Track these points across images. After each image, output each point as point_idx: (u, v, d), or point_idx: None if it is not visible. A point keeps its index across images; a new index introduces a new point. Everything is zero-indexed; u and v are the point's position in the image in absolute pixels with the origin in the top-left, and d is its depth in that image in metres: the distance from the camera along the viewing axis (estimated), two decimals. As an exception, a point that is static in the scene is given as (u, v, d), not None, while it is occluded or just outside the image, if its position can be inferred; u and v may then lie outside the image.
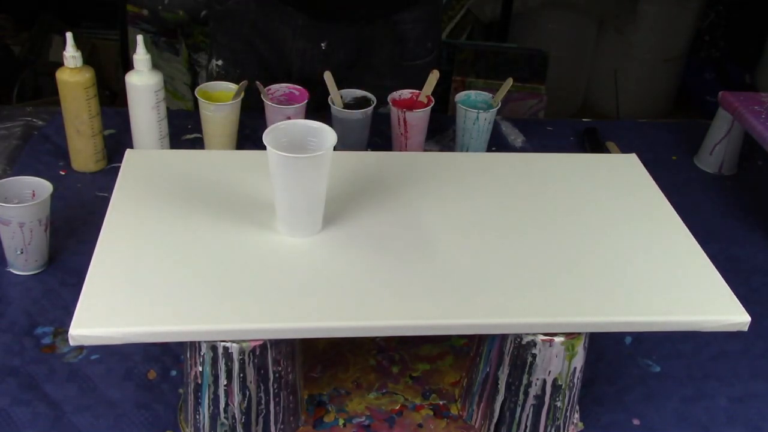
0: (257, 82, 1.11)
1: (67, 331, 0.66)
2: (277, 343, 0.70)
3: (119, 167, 0.85)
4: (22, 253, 0.92)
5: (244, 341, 0.68)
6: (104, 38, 2.56)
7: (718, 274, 0.76)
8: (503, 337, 0.73)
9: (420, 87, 1.14)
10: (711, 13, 2.94)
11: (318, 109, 1.15)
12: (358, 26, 1.25)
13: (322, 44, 1.26)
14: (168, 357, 0.85)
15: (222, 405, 0.71)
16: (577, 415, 0.82)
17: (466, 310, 0.70)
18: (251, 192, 0.83)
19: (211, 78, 1.32)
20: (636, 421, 0.83)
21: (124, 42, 2.46)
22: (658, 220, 0.84)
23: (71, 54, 1.04)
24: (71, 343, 0.65)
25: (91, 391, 0.80)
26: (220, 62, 1.31)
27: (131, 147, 1.12)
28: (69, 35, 1.04)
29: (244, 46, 1.29)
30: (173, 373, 0.84)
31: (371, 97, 1.14)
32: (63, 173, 1.12)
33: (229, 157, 0.91)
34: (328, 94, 1.12)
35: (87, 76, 1.06)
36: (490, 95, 1.16)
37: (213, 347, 0.68)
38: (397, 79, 1.25)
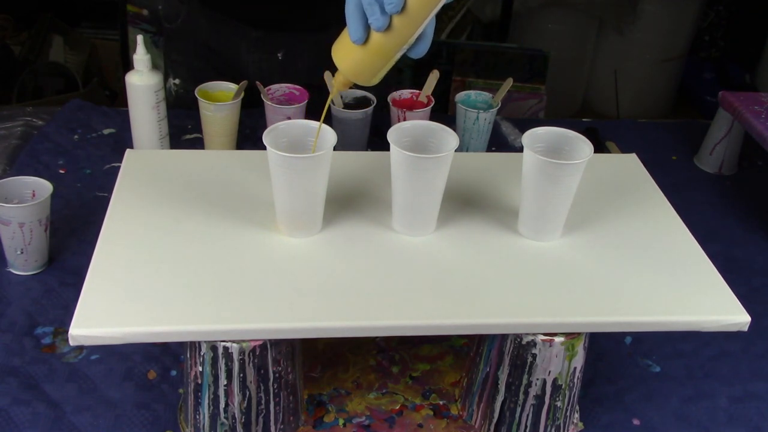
0: (257, 82, 1.11)
1: (67, 331, 0.66)
2: (277, 343, 0.70)
3: (119, 167, 0.85)
4: (22, 253, 0.92)
5: (244, 341, 0.68)
6: (104, 38, 2.56)
7: (718, 274, 0.76)
8: (503, 337, 0.73)
9: (379, 85, 1.13)
10: (711, 13, 2.94)
11: (318, 110, 1.14)
12: (313, 33, 1.23)
13: (279, 54, 1.23)
14: (168, 357, 0.85)
15: (222, 405, 0.71)
16: (577, 415, 0.82)
17: (466, 310, 0.70)
18: (251, 192, 0.83)
19: (171, 96, 1.30)
20: (636, 421, 0.83)
21: (124, 42, 2.46)
22: (658, 220, 0.84)
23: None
24: (71, 343, 0.65)
25: (91, 391, 0.81)
26: (177, 81, 1.29)
27: (131, 147, 1.12)
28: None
29: (199, 62, 1.27)
30: (173, 373, 0.84)
31: (371, 97, 1.14)
32: (63, 173, 1.12)
33: (229, 157, 0.91)
34: (322, 95, 1.12)
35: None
36: (490, 95, 1.16)
37: (213, 347, 0.68)
38: None
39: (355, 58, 0.74)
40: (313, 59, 1.24)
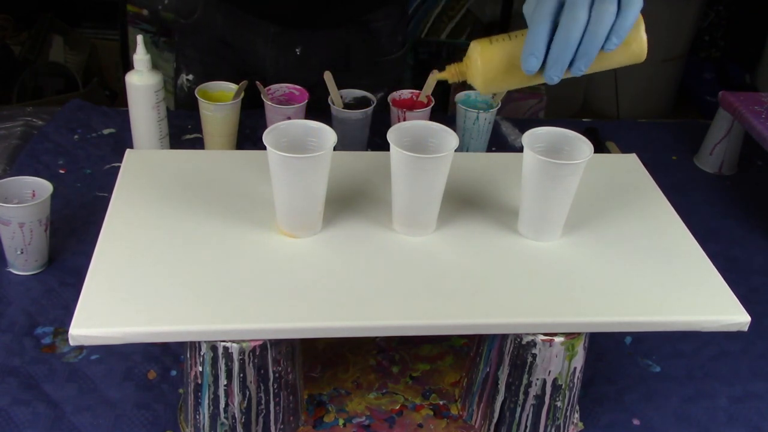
0: (257, 82, 1.11)
1: (67, 331, 0.66)
2: (277, 343, 0.70)
3: (119, 167, 0.85)
4: (22, 253, 0.92)
5: (244, 341, 0.68)
6: (104, 38, 2.56)
7: (718, 274, 0.76)
8: (503, 337, 0.73)
9: (396, 81, 1.12)
10: (711, 13, 2.94)
11: (318, 110, 1.15)
12: (331, 30, 1.23)
13: (297, 50, 1.24)
14: (168, 357, 0.85)
15: (222, 405, 0.71)
16: (577, 415, 0.82)
17: (466, 310, 0.70)
18: (251, 192, 0.83)
19: (182, 92, 1.30)
20: (636, 421, 0.83)
21: (124, 42, 2.46)
22: (658, 220, 0.84)
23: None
24: (71, 343, 0.65)
25: (91, 391, 0.81)
26: (190, 77, 1.29)
27: (131, 147, 1.12)
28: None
29: (214, 58, 1.27)
30: (173, 373, 0.84)
31: (371, 97, 1.14)
32: (63, 173, 1.12)
33: (229, 157, 0.91)
34: (328, 94, 1.12)
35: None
36: (490, 95, 1.16)
37: (213, 347, 0.68)
38: (374, 76, 1.22)
39: (499, 68, 0.72)
40: (331, 55, 1.24)
